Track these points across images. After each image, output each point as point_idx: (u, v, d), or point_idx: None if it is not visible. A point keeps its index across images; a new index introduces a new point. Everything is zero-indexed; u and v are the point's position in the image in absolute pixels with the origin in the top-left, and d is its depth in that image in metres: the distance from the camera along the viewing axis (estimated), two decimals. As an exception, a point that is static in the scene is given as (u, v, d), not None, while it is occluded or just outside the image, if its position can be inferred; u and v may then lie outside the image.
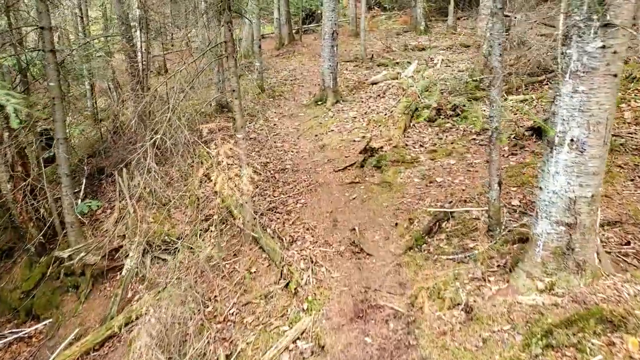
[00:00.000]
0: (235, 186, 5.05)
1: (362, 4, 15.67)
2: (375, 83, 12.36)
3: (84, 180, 9.59)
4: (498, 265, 4.17)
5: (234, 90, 5.61)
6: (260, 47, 13.33)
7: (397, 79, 12.20)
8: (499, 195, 4.80)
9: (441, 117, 8.95)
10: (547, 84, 9.99)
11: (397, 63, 13.90)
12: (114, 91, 11.77)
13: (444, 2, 21.21)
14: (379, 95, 11.26)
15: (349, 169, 7.83)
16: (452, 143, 7.82)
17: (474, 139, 7.83)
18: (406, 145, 7.97)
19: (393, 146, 7.75)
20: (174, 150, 5.35)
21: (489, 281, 4.00)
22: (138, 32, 8.59)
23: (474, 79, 10.07)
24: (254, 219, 6.75)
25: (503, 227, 4.89)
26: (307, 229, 6.12)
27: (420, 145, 7.96)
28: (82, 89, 12.12)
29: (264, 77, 14.27)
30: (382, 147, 7.67)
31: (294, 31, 20.92)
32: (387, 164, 7.31)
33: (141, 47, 7.88)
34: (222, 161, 4.88)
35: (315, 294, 4.82)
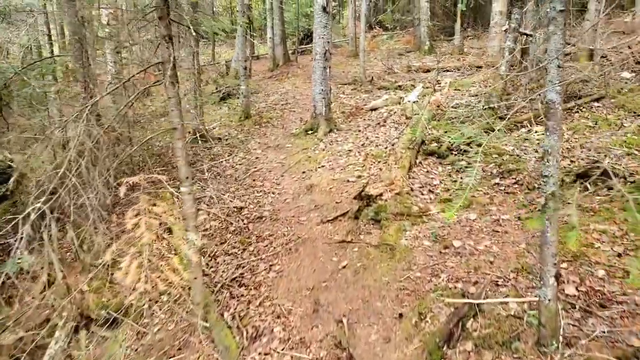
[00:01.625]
0: (165, 272, 3.45)
1: (362, 22, 14.34)
2: (375, 109, 10.85)
3: (29, 227, 7.98)
4: None
5: (174, 129, 4.05)
6: (246, 68, 11.92)
7: (399, 104, 10.69)
8: (556, 294, 3.16)
9: (453, 152, 7.37)
10: (577, 112, 8.45)
11: (400, 86, 12.46)
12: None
13: (449, 20, 19.99)
14: (378, 124, 9.72)
15: (340, 220, 6.22)
16: (470, 188, 6.21)
17: (497, 183, 6.23)
18: (412, 190, 6.36)
19: (395, 193, 6.14)
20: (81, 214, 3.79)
21: None
22: (89, 50, 7.13)
23: (491, 106, 8.55)
24: (213, 292, 5.12)
25: (561, 338, 3.24)
26: (278, 316, 4.46)
27: (430, 191, 6.35)
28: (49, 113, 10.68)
29: (252, 101, 12.84)
30: (381, 195, 6.06)
31: (289, 52, 19.64)
32: (387, 218, 5.69)
33: (88, 67, 6.42)
34: (143, 236, 3.29)
35: None
